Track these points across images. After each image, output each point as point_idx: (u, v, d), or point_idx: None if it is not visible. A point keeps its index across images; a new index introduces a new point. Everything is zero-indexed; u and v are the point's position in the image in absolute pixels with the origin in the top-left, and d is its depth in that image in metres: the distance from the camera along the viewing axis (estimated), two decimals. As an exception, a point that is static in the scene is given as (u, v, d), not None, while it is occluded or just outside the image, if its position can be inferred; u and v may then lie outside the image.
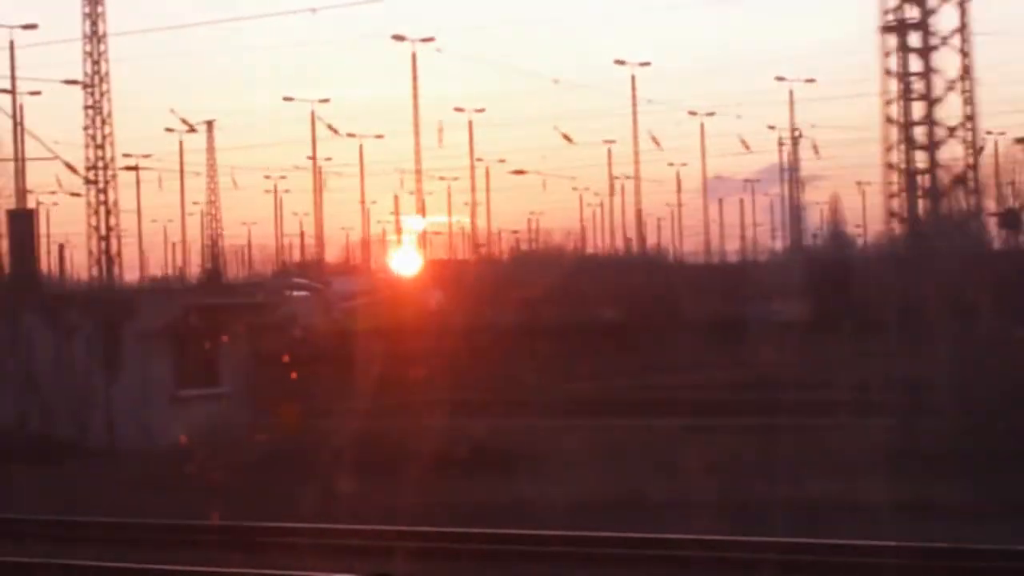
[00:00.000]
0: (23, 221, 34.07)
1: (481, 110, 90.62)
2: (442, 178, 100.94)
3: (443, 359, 49.80)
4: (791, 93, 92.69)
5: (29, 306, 33.89)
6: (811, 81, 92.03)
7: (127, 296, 34.27)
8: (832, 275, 70.12)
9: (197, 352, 33.21)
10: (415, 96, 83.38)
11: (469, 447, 27.96)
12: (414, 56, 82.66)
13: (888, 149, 29.97)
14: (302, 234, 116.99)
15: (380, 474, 26.02)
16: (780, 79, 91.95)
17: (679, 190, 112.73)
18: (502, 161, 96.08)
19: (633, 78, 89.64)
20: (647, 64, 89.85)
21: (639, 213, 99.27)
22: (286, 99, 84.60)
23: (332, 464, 26.99)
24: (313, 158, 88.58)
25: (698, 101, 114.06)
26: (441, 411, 36.46)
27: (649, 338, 56.07)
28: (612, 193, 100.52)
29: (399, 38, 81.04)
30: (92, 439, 32.43)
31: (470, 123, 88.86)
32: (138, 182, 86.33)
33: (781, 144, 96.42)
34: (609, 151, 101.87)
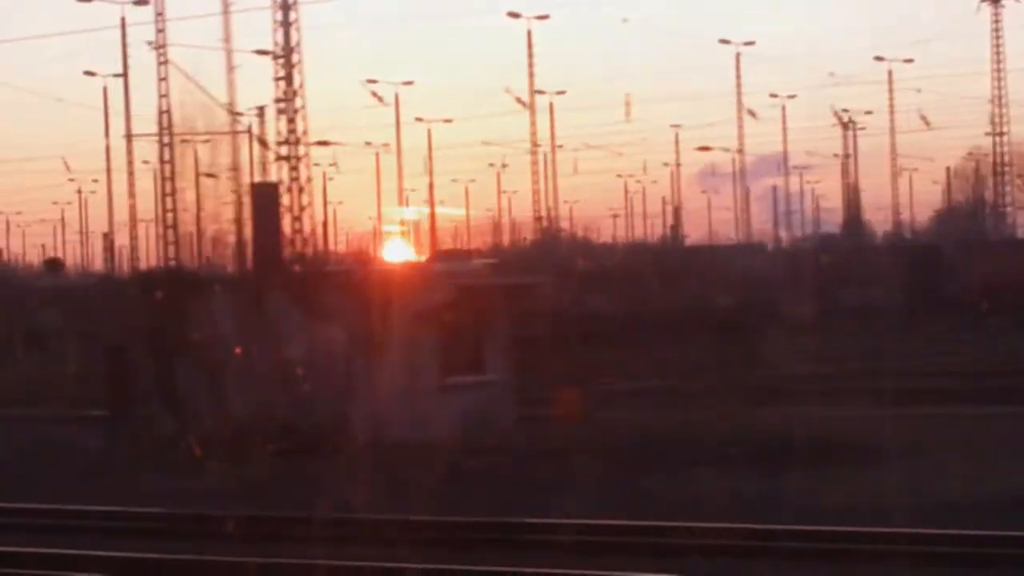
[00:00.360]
0: (268, 194, 31.81)
1: (562, 92, 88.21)
2: (504, 165, 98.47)
3: (603, 345, 47.88)
4: (890, 73, 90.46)
5: (277, 286, 31.67)
6: (910, 61, 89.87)
7: (392, 276, 31.90)
8: (925, 261, 69.33)
9: (463, 336, 30.95)
10: (530, 76, 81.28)
11: (807, 438, 25.66)
12: (529, 34, 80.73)
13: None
14: (324, 223, 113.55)
15: (725, 467, 23.72)
16: (879, 59, 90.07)
17: (734, 171, 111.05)
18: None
19: (738, 56, 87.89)
20: (751, 43, 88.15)
21: (746, 198, 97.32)
22: (369, 81, 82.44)
23: (657, 456, 24.82)
24: (398, 143, 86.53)
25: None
26: (702, 399, 34.32)
27: (780, 325, 54.76)
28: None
29: (514, 15, 79.29)
30: (351, 430, 30.18)
31: (551, 105, 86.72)
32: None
33: (846, 125, 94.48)
34: (676, 136, 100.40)
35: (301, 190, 43.83)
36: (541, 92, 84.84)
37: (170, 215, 48.59)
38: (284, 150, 43.88)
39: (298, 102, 44.29)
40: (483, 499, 21.98)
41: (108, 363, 32.42)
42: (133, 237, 68.10)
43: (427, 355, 30.51)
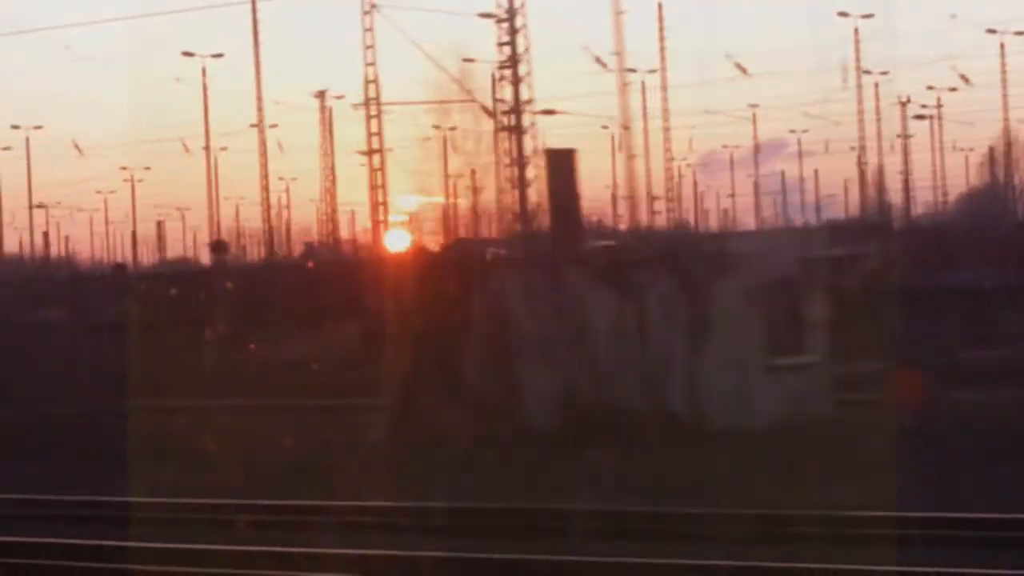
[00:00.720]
0: (565, 161, 29.95)
1: (653, 71, 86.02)
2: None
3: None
4: (1002, 46, 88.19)
5: (578, 260, 29.85)
6: (1021, 34, 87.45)
7: (720, 248, 30.03)
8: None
9: (790, 313, 29.05)
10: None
11: None
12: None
13: None
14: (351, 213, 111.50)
15: None
16: (992, 32, 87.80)
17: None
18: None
19: (856, 30, 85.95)
20: (869, 16, 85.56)
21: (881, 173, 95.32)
22: (466, 60, 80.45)
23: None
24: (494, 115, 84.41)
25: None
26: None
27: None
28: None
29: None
30: (668, 415, 28.33)
31: (643, 83, 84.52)
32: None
33: (905, 103, 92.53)
34: (754, 115, 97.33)
35: (526, 163, 41.97)
36: (632, 71, 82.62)
37: (380, 191, 46.66)
38: (508, 120, 42.12)
39: (522, 68, 42.46)
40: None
41: (390, 348, 30.66)
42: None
43: (753, 334, 28.70)
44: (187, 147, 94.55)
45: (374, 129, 46.77)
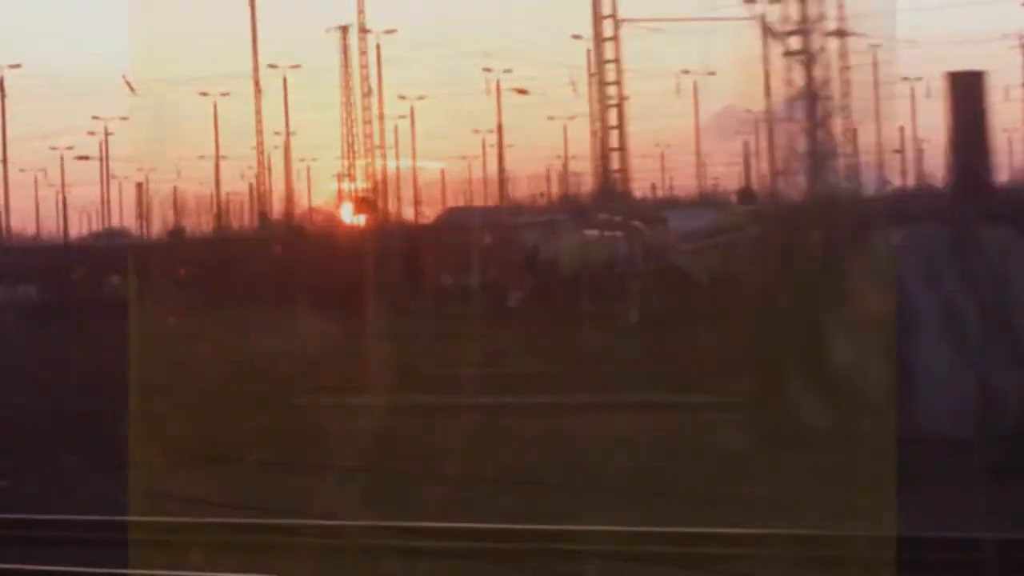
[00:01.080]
0: (971, 85, 23.86)
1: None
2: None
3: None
4: None
5: (995, 213, 23.70)
6: None
7: None
8: None
9: None
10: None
11: None
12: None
13: None
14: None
15: None
16: None
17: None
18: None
19: None
20: None
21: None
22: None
23: None
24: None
25: None
26: None
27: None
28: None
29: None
30: None
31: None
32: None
33: None
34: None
35: (816, 96, 35.48)
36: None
37: (615, 133, 39.89)
38: (796, 43, 35.67)
39: (809, -21, 35.91)
40: None
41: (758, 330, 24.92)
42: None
43: None
44: (259, 85, 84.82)
45: (609, 55, 40.07)
